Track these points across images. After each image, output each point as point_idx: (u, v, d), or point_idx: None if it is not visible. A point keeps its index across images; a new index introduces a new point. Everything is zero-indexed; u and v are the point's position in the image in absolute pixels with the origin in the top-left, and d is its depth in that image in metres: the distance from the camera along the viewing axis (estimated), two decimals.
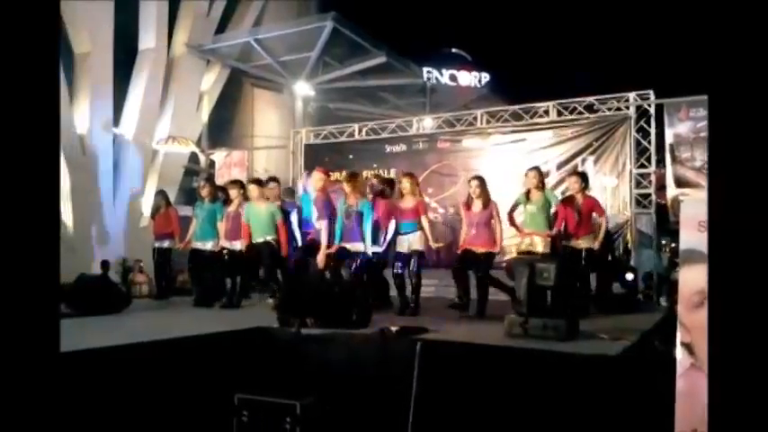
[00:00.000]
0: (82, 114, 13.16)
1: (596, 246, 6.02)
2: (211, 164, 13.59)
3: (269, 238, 6.32)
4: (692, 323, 3.06)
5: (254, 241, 6.34)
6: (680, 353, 3.07)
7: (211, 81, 15.82)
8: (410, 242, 5.83)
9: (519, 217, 6.18)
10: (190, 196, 10.97)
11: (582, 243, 6.01)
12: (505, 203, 6.40)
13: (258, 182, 6.73)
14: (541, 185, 6.05)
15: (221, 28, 15.49)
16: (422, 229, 5.87)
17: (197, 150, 14.43)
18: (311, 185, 6.30)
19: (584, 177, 6.41)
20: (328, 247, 5.84)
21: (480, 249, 5.71)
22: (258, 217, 6.36)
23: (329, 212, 5.98)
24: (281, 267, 6.53)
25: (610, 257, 6.92)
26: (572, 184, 6.32)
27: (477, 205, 5.82)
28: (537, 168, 6.26)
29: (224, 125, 16.44)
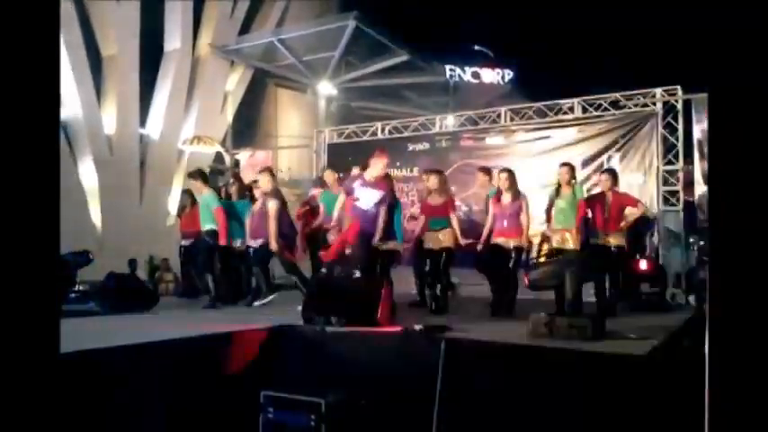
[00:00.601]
0: (109, 115, 13.40)
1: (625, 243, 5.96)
2: (236, 163, 13.73)
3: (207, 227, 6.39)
4: None
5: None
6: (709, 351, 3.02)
7: (235, 81, 15.98)
8: (440, 240, 5.84)
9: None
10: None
11: (612, 240, 5.93)
12: (529, 201, 6.39)
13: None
14: (572, 181, 6.00)
15: (245, 29, 15.64)
16: (451, 226, 5.87)
17: (222, 150, 14.60)
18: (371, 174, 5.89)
19: (614, 174, 6.34)
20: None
21: (511, 242, 5.68)
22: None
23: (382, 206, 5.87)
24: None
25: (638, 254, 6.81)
26: (603, 182, 6.24)
27: (507, 197, 5.80)
28: (568, 164, 6.20)
29: (248, 125, 16.60)
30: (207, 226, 6.43)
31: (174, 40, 14.48)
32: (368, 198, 5.58)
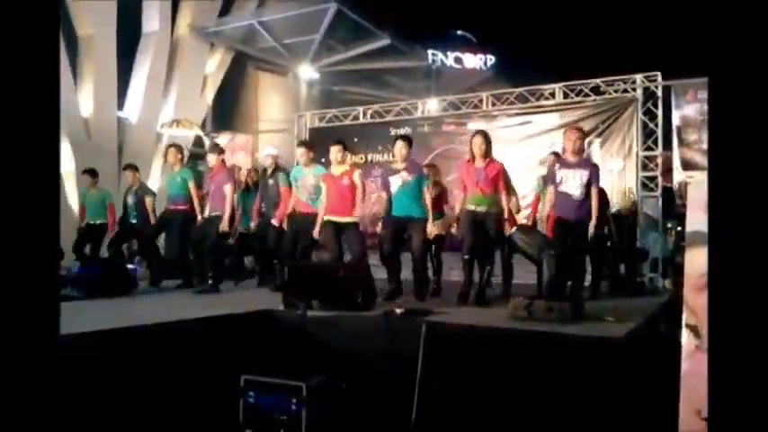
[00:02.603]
0: (86, 97, 13.14)
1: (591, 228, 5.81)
2: (216, 147, 13.57)
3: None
4: (698, 305, 3.05)
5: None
6: (685, 335, 3.07)
7: (215, 64, 15.76)
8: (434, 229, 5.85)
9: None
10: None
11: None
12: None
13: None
14: None
15: (225, 10, 15.39)
16: (444, 216, 6.05)
17: (201, 134, 14.42)
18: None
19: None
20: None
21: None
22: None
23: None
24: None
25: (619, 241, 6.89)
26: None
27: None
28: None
29: (228, 108, 16.40)
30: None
31: (152, 21, 14.20)
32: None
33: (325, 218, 5.68)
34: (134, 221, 7.44)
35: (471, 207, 5.30)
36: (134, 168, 7.71)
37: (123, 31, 13.45)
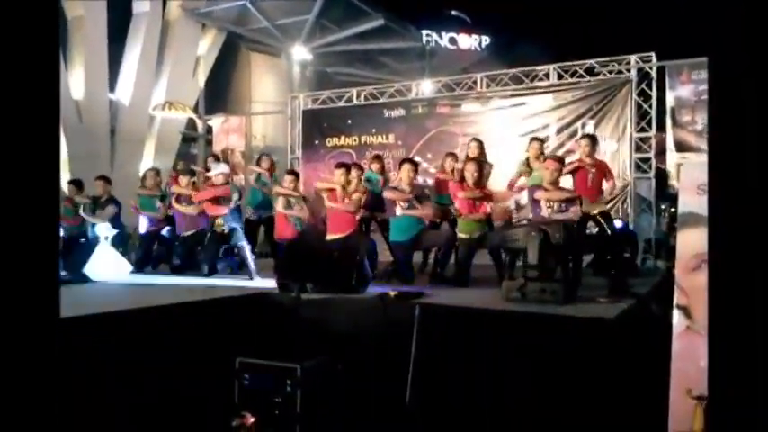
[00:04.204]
0: (77, 80, 13.02)
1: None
2: (209, 130, 13.51)
3: None
4: (689, 286, 3.08)
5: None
6: (676, 315, 3.10)
7: (207, 45, 15.60)
8: None
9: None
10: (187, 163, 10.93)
11: (594, 208, 5.93)
12: (505, 169, 6.50)
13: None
14: (541, 156, 6.09)
15: None
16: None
17: (194, 116, 14.32)
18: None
19: (593, 140, 6.36)
20: None
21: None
22: None
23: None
24: None
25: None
26: (582, 147, 6.24)
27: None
28: (538, 138, 6.37)
29: (221, 90, 16.27)
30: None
31: (142, 2, 14.02)
32: None
33: (328, 237, 5.77)
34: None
35: (466, 236, 5.54)
36: (106, 180, 7.52)
37: (113, 13, 13.29)
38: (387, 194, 5.88)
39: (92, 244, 6.54)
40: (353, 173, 6.06)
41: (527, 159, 6.30)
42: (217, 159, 8.52)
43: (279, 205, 6.61)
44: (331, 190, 5.86)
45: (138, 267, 6.85)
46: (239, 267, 6.74)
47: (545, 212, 5.06)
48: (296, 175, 7.05)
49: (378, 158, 7.19)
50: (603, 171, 6.15)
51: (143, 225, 7.34)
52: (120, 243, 6.98)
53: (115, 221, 7.08)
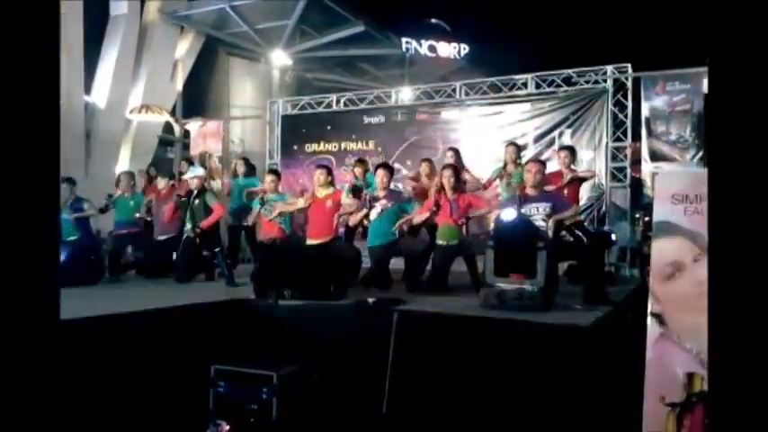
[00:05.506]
0: None
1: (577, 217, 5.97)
2: (186, 134, 13.37)
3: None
4: (663, 294, 3.12)
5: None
6: (650, 323, 3.14)
7: (185, 49, 15.45)
8: None
9: (494, 190, 6.31)
10: (163, 167, 10.80)
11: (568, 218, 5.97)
12: (483, 176, 6.58)
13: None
14: (517, 161, 6.16)
15: None
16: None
17: (171, 120, 14.16)
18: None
19: (572, 152, 6.44)
20: None
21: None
22: None
23: None
24: None
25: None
26: (561, 159, 6.29)
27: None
28: (514, 144, 6.42)
29: (199, 94, 16.12)
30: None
31: (120, 4, 13.83)
32: None
33: (308, 242, 5.75)
34: (72, 238, 6.56)
35: (443, 242, 5.55)
36: (71, 182, 6.96)
37: (90, 14, 13.10)
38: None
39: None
40: (358, 169, 6.18)
41: (504, 165, 6.39)
42: (191, 163, 8.40)
43: (255, 212, 6.54)
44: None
45: (110, 271, 6.73)
46: (215, 273, 6.68)
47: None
48: (277, 174, 6.93)
49: (361, 162, 7.16)
50: (579, 180, 6.23)
51: (112, 228, 7.23)
52: (92, 247, 6.86)
53: (84, 223, 6.87)
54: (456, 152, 6.60)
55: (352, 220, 5.96)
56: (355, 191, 6.10)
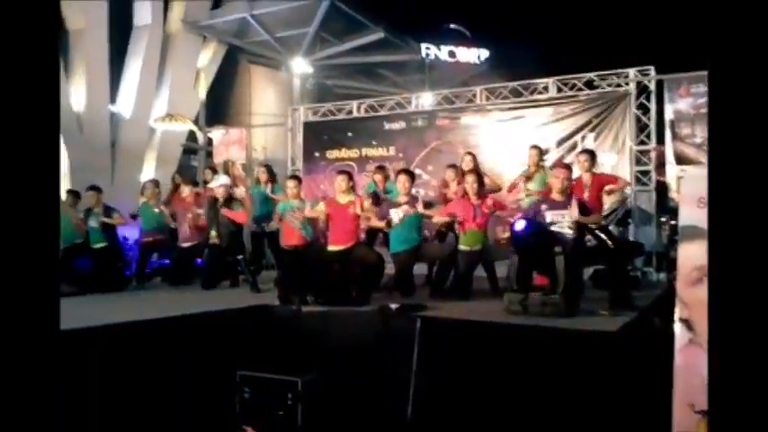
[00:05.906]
0: (78, 92, 13.06)
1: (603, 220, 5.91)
2: (209, 142, 13.52)
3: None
4: (691, 299, 3.07)
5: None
6: (678, 328, 3.09)
7: (208, 58, 15.66)
8: None
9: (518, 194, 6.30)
10: (187, 175, 10.93)
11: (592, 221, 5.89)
12: (505, 181, 6.57)
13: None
14: (540, 163, 6.12)
15: (216, 3, 15.29)
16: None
17: (194, 128, 14.34)
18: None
19: (592, 155, 6.35)
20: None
21: None
22: None
23: None
24: None
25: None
26: (581, 163, 6.21)
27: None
28: (537, 147, 6.35)
29: (221, 103, 16.32)
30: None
31: (144, 14, 14.09)
32: None
33: (330, 248, 5.59)
34: (99, 245, 6.81)
35: (467, 248, 5.57)
36: (98, 190, 7.15)
37: (115, 25, 13.35)
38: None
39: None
40: (377, 176, 6.26)
41: (529, 167, 6.40)
42: (214, 171, 8.49)
43: (276, 218, 6.54)
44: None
45: (136, 279, 6.83)
46: (239, 280, 6.73)
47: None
48: (298, 179, 6.85)
49: (381, 169, 7.18)
50: (602, 183, 6.14)
51: (138, 234, 7.32)
52: (119, 254, 6.96)
53: (111, 231, 7.01)
54: (473, 157, 6.56)
55: (371, 224, 5.91)
56: (374, 198, 6.08)
